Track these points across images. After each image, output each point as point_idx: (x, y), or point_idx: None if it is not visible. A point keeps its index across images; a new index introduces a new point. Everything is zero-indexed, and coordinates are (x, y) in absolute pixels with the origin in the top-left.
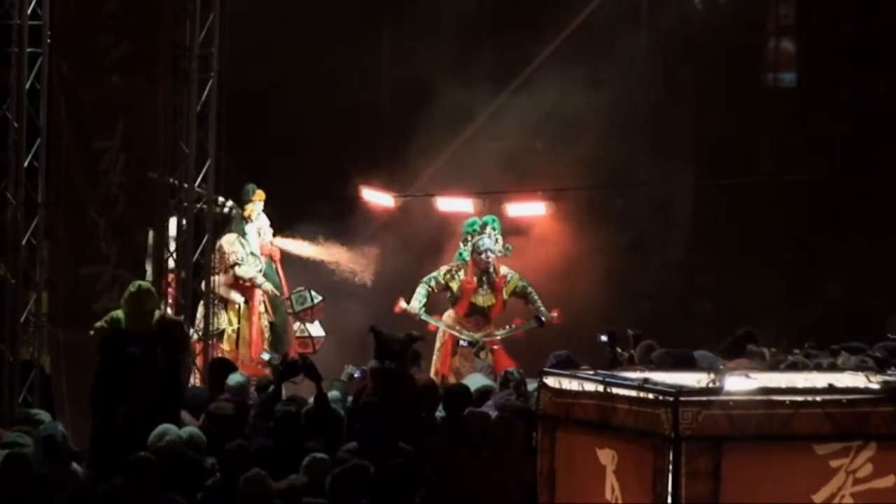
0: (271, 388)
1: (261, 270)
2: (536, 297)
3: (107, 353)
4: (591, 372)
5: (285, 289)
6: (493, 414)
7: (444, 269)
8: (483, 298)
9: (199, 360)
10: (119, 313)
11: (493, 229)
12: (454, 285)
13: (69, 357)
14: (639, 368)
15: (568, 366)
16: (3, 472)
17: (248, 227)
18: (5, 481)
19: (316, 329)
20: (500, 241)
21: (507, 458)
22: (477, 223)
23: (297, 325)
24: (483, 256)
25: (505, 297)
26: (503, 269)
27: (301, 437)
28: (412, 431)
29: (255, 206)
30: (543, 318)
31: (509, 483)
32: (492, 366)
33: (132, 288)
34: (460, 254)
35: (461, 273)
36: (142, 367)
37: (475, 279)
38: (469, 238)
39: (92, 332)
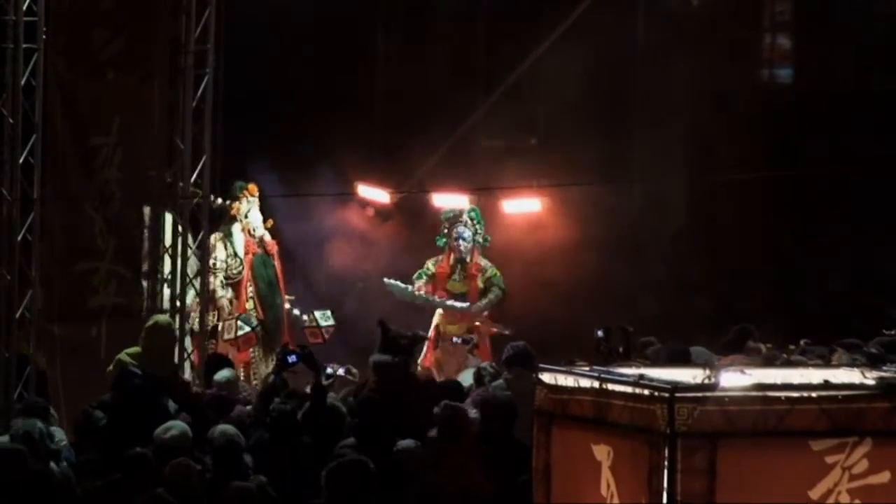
0: (271, 378)
1: (239, 272)
2: (493, 301)
3: (118, 393)
4: (587, 368)
5: (282, 283)
6: (472, 411)
7: (429, 261)
8: (457, 286)
9: (195, 357)
10: (124, 356)
11: (471, 219)
12: (432, 271)
13: (65, 353)
14: (634, 364)
15: (525, 357)
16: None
17: (234, 227)
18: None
19: (324, 318)
20: (480, 232)
21: (454, 452)
22: (453, 212)
23: (305, 317)
24: (458, 244)
25: (480, 285)
26: (483, 262)
27: (297, 434)
28: (413, 427)
29: (243, 204)
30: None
31: (461, 477)
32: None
33: (149, 322)
34: (437, 240)
35: (440, 259)
36: (148, 407)
37: (450, 266)
38: (446, 226)
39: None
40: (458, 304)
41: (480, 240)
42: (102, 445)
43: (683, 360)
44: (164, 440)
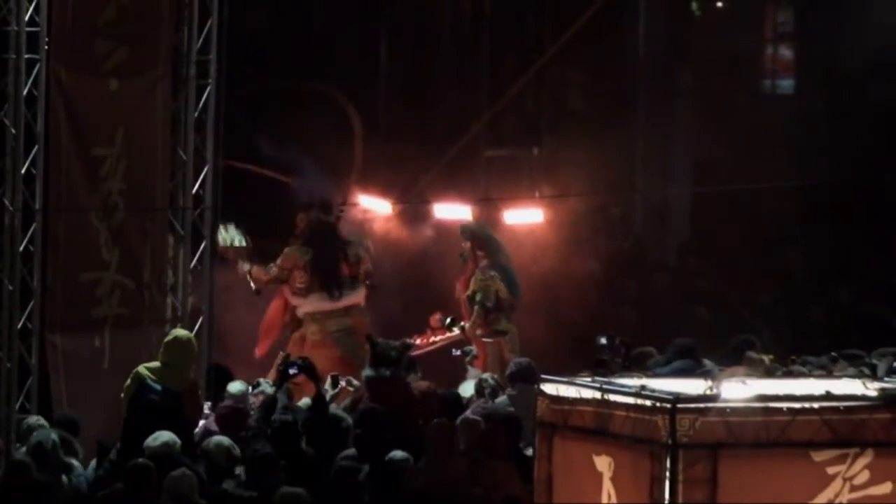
0: (272, 390)
1: None
2: (475, 317)
3: (135, 406)
4: (589, 379)
5: None
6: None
7: None
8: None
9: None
10: (142, 369)
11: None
12: None
13: (68, 363)
14: (636, 375)
15: (529, 373)
16: (4, 479)
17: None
18: (7, 488)
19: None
20: (465, 248)
21: (496, 466)
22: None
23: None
24: None
25: (463, 296)
26: (478, 275)
27: (298, 445)
28: (410, 438)
29: None
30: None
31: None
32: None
33: (169, 337)
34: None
35: None
36: (164, 422)
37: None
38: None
39: (122, 395)
40: (451, 335)
41: (461, 259)
42: (116, 458)
43: (691, 356)
44: (154, 448)
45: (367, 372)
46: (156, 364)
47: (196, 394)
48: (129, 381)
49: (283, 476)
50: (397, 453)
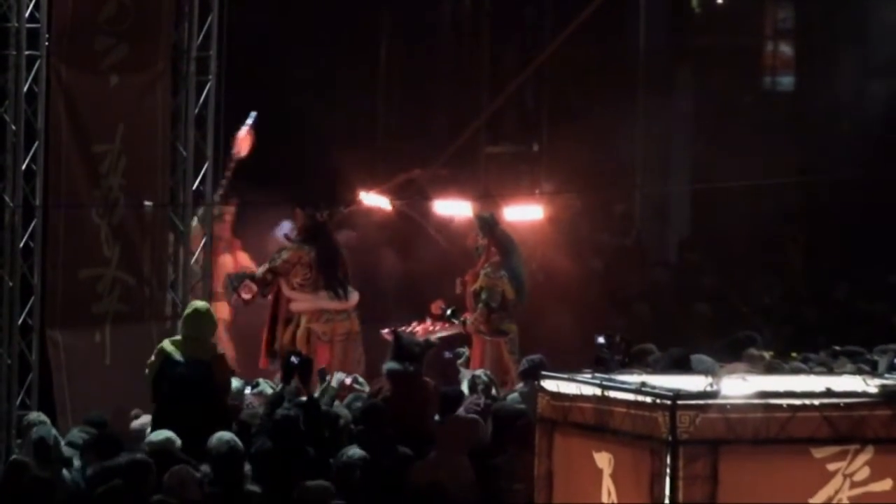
0: (280, 387)
1: None
2: (477, 315)
3: (161, 382)
4: (589, 375)
5: None
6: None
7: None
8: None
9: None
10: (166, 344)
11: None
12: None
13: (69, 359)
14: (636, 372)
15: (541, 370)
16: (4, 478)
17: None
18: (6, 486)
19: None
20: (480, 243)
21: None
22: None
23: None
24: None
25: (470, 289)
26: (487, 270)
27: (300, 440)
28: (419, 434)
29: None
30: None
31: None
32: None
33: (189, 310)
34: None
35: None
36: (194, 394)
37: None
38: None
39: (147, 371)
40: (450, 326)
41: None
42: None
43: (685, 367)
44: (155, 443)
45: (390, 365)
46: (178, 338)
47: (224, 360)
48: (152, 358)
49: (245, 473)
50: (356, 451)
